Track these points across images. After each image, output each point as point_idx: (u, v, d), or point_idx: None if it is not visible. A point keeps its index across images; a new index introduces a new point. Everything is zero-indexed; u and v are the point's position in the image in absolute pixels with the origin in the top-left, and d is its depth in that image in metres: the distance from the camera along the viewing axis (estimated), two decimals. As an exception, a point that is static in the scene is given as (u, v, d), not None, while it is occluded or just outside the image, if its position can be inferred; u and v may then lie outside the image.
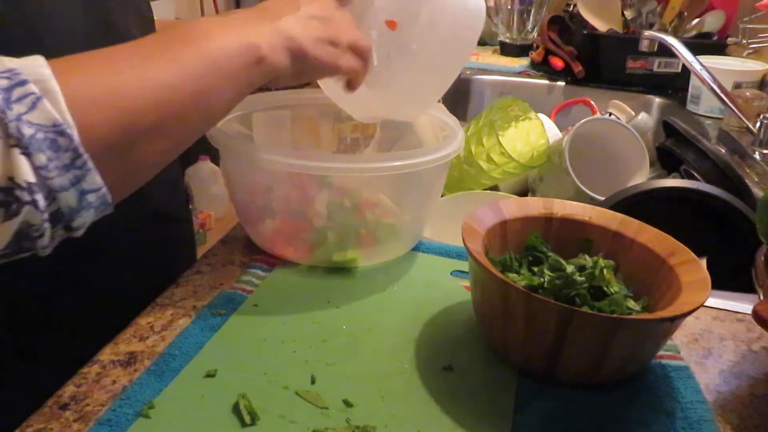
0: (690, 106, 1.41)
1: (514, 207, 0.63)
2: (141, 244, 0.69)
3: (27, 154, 0.36)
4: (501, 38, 1.90)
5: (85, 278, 0.63)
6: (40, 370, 0.57)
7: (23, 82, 0.36)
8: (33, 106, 0.36)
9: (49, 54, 0.41)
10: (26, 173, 0.36)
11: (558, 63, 1.65)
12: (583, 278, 0.56)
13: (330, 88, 0.71)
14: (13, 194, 0.36)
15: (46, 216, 0.38)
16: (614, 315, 0.52)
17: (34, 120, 0.36)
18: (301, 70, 0.54)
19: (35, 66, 0.38)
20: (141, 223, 0.69)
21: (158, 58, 0.44)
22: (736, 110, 1.17)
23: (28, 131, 0.36)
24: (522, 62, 1.79)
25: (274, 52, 0.50)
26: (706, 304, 0.52)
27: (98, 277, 0.64)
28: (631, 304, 0.56)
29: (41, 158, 0.36)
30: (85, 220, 0.41)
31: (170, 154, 0.47)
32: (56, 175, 0.37)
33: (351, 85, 0.60)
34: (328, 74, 0.57)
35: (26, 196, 0.36)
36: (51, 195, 0.38)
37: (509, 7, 1.83)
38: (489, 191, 0.99)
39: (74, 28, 0.56)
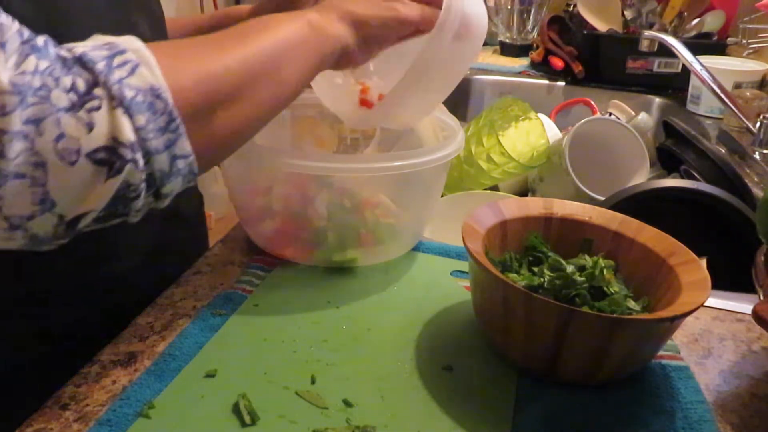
0: (690, 106, 1.41)
1: (514, 207, 0.63)
2: (158, 245, 0.69)
3: (129, 114, 0.38)
4: (501, 38, 1.90)
5: (95, 277, 0.63)
6: (41, 370, 0.57)
7: (123, 51, 0.39)
8: (132, 72, 0.39)
9: None
10: (128, 133, 0.38)
11: (558, 63, 1.65)
12: (583, 278, 0.56)
13: (324, 93, 0.71)
14: (117, 152, 0.38)
15: (144, 176, 0.40)
16: (614, 315, 0.52)
17: (133, 83, 0.39)
18: (368, 36, 0.56)
19: (131, 40, 0.41)
20: (159, 224, 0.69)
21: (233, 40, 0.48)
22: (736, 110, 1.16)
23: (129, 93, 0.38)
24: (522, 62, 1.79)
25: (331, 23, 0.54)
26: (706, 304, 0.52)
27: (109, 276, 0.64)
28: (631, 304, 0.56)
29: (141, 119, 0.39)
30: (173, 187, 0.43)
31: (249, 123, 0.49)
32: (153, 137, 0.39)
33: (426, 26, 0.59)
34: (403, 31, 0.59)
35: (129, 154, 0.38)
36: (147, 156, 0.40)
37: (509, 7, 1.84)
38: (489, 191, 0.99)
39: (99, 30, 0.56)
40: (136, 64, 0.39)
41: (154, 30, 0.66)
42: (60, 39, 0.52)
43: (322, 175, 0.65)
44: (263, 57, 0.48)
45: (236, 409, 0.49)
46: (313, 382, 0.52)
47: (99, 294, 0.63)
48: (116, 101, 0.38)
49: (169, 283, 0.66)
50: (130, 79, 0.39)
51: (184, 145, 0.42)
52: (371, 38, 0.57)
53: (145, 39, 0.59)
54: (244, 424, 0.47)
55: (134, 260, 0.66)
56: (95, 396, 0.50)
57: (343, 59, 0.56)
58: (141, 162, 0.39)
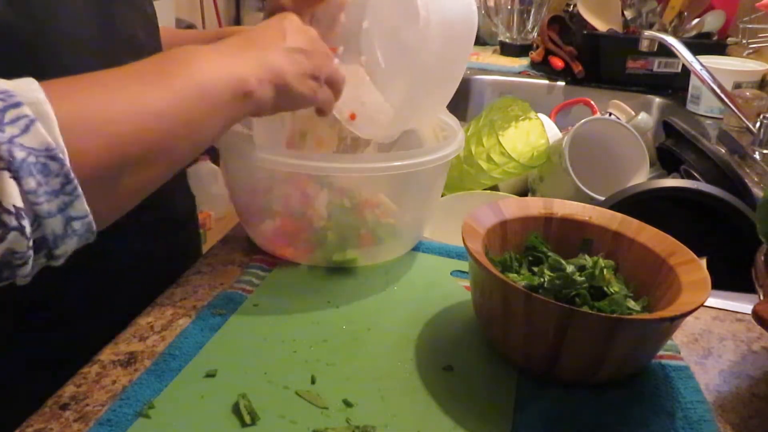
0: (690, 106, 1.41)
1: (514, 207, 0.63)
2: (150, 249, 0.69)
3: (17, 177, 0.35)
4: (501, 38, 1.90)
5: (93, 283, 0.63)
6: (42, 370, 0.57)
7: (17, 104, 0.35)
8: (26, 129, 0.35)
9: (64, 60, 0.41)
10: (15, 197, 0.35)
11: (558, 63, 1.65)
12: (583, 278, 0.56)
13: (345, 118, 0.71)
14: (0, 219, 0.35)
15: (31, 243, 0.36)
16: (614, 315, 0.52)
17: (26, 143, 0.35)
18: (283, 103, 0.55)
19: (29, 89, 0.37)
20: (151, 228, 0.69)
21: (150, 84, 0.44)
22: (736, 110, 1.17)
23: (19, 154, 0.35)
24: (522, 62, 1.79)
25: (261, 87, 0.50)
26: (706, 304, 0.52)
27: (106, 282, 0.64)
28: (631, 304, 0.56)
29: (31, 183, 0.35)
30: (67, 248, 0.40)
31: (155, 183, 0.46)
32: (45, 200, 0.36)
33: (321, 113, 0.61)
34: (306, 107, 0.59)
35: (13, 222, 0.35)
36: (37, 221, 0.36)
37: (509, 7, 1.84)
38: (489, 191, 0.99)
39: (85, 33, 0.56)
40: (31, 120, 0.35)
41: (146, 33, 0.66)
42: (46, 44, 0.52)
43: (322, 175, 0.65)
44: (182, 116, 0.44)
45: (236, 409, 0.49)
46: (313, 382, 0.52)
47: (92, 295, 0.63)
48: (3, 163, 0.34)
49: (162, 284, 0.65)
50: (22, 137, 0.35)
51: (81, 207, 0.38)
52: (283, 106, 0.56)
53: (137, 40, 0.58)
54: (244, 424, 0.47)
55: (127, 261, 0.66)
56: (95, 396, 0.50)
57: (251, 114, 0.54)
58: (28, 228, 0.36)
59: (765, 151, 1.12)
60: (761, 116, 1.13)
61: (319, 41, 0.58)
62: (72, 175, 0.37)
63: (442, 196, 0.83)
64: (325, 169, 0.63)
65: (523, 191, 1.09)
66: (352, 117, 0.69)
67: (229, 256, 0.71)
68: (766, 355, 0.59)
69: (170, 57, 0.47)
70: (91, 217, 0.39)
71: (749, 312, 0.55)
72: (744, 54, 1.47)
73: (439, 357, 0.56)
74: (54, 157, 0.36)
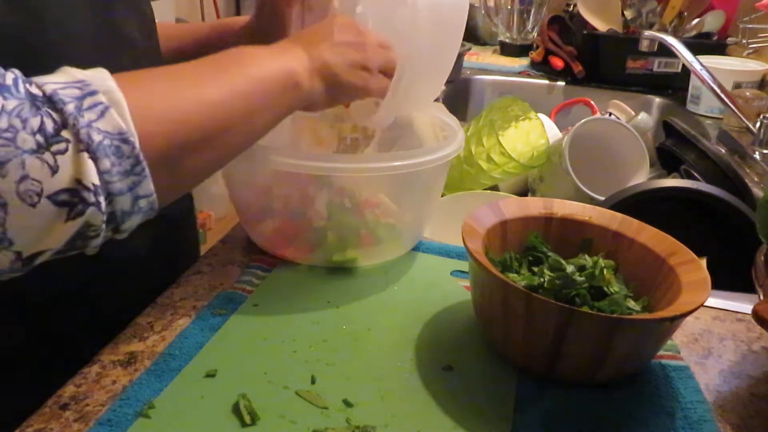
0: (690, 106, 1.41)
1: (514, 207, 0.63)
2: (147, 248, 0.69)
3: (94, 158, 0.38)
4: (501, 38, 1.90)
5: (90, 282, 0.63)
6: (41, 370, 0.57)
7: (93, 93, 0.39)
8: (102, 115, 0.39)
9: (62, 58, 0.42)
10: (93, 176, 0.38)
11: (558, 63, 1.65)
12: (583, 278, 0.56)
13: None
14: (80, 195, 0.38)
15: (105, 217, 0.40)
16: (614, 315, 0.52)
17: (102, 127, 0.39)
18: (336, 95, 0.58)
19: (102, 78, 0.40)
20: (148, 227, 0.69)
21: (209, 78, 0.48)
22: (736, 110, 1.17)
23: (97, 137, 0.38)
24: (522, 62, 1.79)
25: (310, 78, 0.54)
26: (706, 304, 0.52)
27: (103, 280, 0.64)
28: (631, 304, 0.56)
29: (106, 163, 0.39)
30: (133, 223, 0.43)
31: (213, 167, 0.50)
32: (117, 180, 0.40)
33: (380, 97, 0.63)
34: (360, 97, 0.61)
35: (92, 198, 0.38)
36: (109, 198, 0.40)
37: (509, 7, 1.84)
38: (489, 191, 0.99)
39: (83, 32, 0.56)
40: (106, 107, 0.39)
41: (144, 32, 0.66)
42: (44, 42, 0.52)
43: (322, 175, 0.65)
44: (238, 105, 0.48)
45: (236, 409, 0.49)
46: (313, 382, 0.52)
47: (89, 294, 0.63)
48: (83, 145, 0.38)
49: (161, 283, 0.65)
50: (99, 122, 0.39)
51: (148, 186, 0.42)
52: (336, 98, 0.58)
53: (134, 40, 0.59)
54: (244, 424, 0.47)
55: (125, 260, 0.66)
56: (95, 396, 0.50)
57: (307, 108, 0.57)
58: (103, 204, 0.39)
59: (765, 151, 1.12)
60: (761, 116, 1.13)
61: (369, 34, 0.60)
62: (141, 156, 0.40)
63: (442, 196, 0.83)
64: (325, 169, 0.63)
65: (523, 191, 1.09)
66: (346, 105, 0.70)
67: (229, 256, 0.71)
68: (766, 355, 0.59)
69: (226, 55, 0.51)
70: (155, 196, 0.43)
71: (749, 312, 0.55)
72: (744, 54, 1.48)
73: (439, 357, 0.56)
74: (126, 140, 0.40)
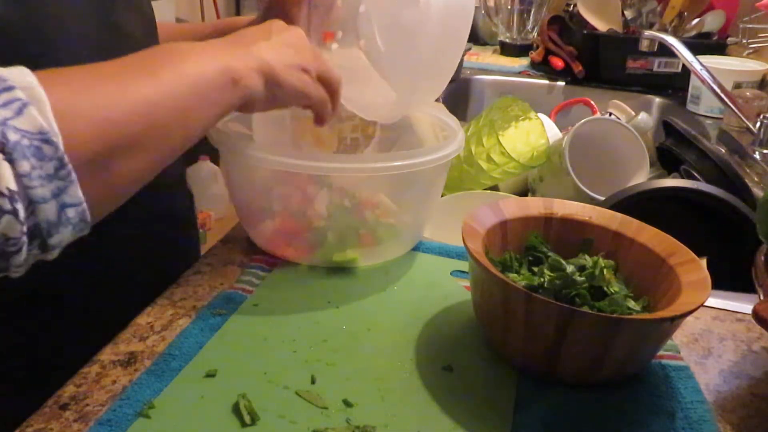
0: (690, 106, 1.41)
1: (514, 207, 0.63)
2: (146, 245, 0.69)
3: (10, 160, 0.34)
4: (501, 38, 1.90)
5: (89, 278, 0.63)
6: (41, 370, 0.57)
7: (10, 88, 0.36)
8: (19, 112, 0.35)
9: (62, 57, 0.41)
10: (9, 180, 0.34)
11: (558, 63, 1.65)
12: (583, 278, 0.56)
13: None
14: None
15: (25, 228, 0.36)
16: (614, 315, 0.52)
17: (20, 126, 0.35)
18: (275, 95, 0.55)
19: (21, 74, 0.37)
20: (147, 224, 0.69)
21: (140, 75, 0.44)
22: (736, 110, 1.17)
23: (13, 137, 0.35)
24: (522, 62, 1.79)
25: (248, 75, 0.51)
26: (706, 304, 0.52)
27: (102, 277, 0.64)
28: (631, 304, 0.56)
29: (25, 166, 0.35)
30: (62, 237, 0.39)
31: (148, 172, 0.46)
32: (38, 184, 0.36)
33: (319, 119, 0.60)
34: (300, 102, 0.58)
35: (7, 205, 0.35)
36: (31, 206, 0.36)
37: (509, 7, 1.84)
38: (489, 191, 0.98)
39: (84, 31, 0.56)
40: (24, 103, 0.36)
41: (144, 30, 0.66)
42: (44, 41, 0.52)
43: (322, 175, 0.65)
44: (172, 104, 0.45)
45: (236, 409, 0.49)
46: (313, 382, 0.52)
47: (91, 292, 0.63)
48: None
49: (161, 283, 0.65)
50: (16, 120, 0.35)
51: (75, 193, 0.38)
52: (276, 99, 0.56)
53: (135, 39, 0.59)
54: (244, 424, 0.47)
55: (124, 259, 0.66)
56: (95, 396, 0.50)
57: (245, 107, 0.54)
58: (22, 213, 0.35)
59: (765, 151, 1.12)
60: (761, 116, 1.13)
61: (305, 40, 0.58)
62: (66, 159, 0.37)
63: (442, 196, 0.83)
64: (325, 169, 0.63)
65: (523, 191, 1.09)
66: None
67: (229, 256, 0.71)
68: (766, 355, 0.59)
69: (160, 51, 0.48)
70: (85, 205, 0.39)
71: (749, 312, 0.55)
72: (744, 54, 1.48)
73: (439, 357, 0.56)
74: (48, 141, 0.36)
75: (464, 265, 0.71)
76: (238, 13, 2.99)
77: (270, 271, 0.68)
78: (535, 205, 0.64)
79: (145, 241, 0.69)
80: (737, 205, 0.83)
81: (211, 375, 0.52)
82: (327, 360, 0.55)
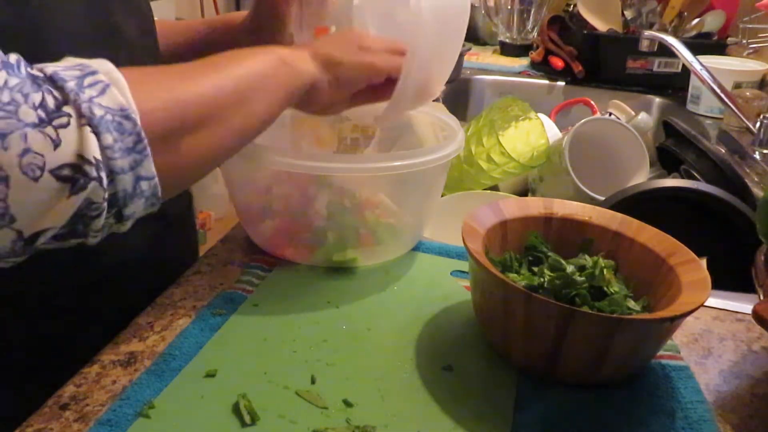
0: (690, 106, 1.41)
1: (514, 207, 0.63)
2: (144, 245, 0.69)
3: (96, 133, 0.39)
4: (501, 38, 1.90)
5: (86, 277, 0.63)
6: (41, 370, 0.57)
7: (94, 72, 0.40)
8: (103, 92, 0.39)
9: (57, 58, 0.42)
10: (95, 150, 0.38)
11: (558, 63, 1.65)
12: (583, 278, 0.56)
13: None
14: (82, 170, 0.38)
15: (107, 195, 0.40)
16: (614, 315, 0.52)
17: (104, 103, 0.39)
18: (339, 76, 0.58)
19: (102, 62, 0.42)
20: (144, 224, 0.69)
21: (205, 68, 0.50)
22: (736, 110, 1.17)
23: (98, 112, 0.39)
24: (522, 62, 1.79)
25: (303, 61, 0.56)
26: (706, 304, 0.52)
27: (100, 277, 0.64)
28: (631, 304, 0.56)
29: (108, 138, 0.39)
30: (135, 209, 0.43)
31: (215, 151, 0.50)
32: (119, 156, 0.40)
33: (384, 92, 0.62)
34: (368, 75, 0.60)
35: (93, 172, 0.39)
36: (111, 176, 0.40)
37: (509, 7, 1.83)
38: (489, 191, 0.98)
39: (79, 32, 0.56)
40: (106, 84, 0.40)
41: (142, 31, 0.66)
42: (38, 42, 0.52)
43: (322, 175, 0.65)
44: (233, 87, 0.50)
45: (236, 409, 0.49)
46: (313, 382, 0.52)
47: (88, 294, 0.63)
48: (85, 119, 0.38)
49: (160, 282, 0.65)
50: (100, 98, 0.39)
51: (149, 167, 0.42)
52: (343, 80, 0.59)
53: (131, 40, 0.61)
54: (244, 424, 0.47)
55: (122, 258, 0.66)
56: (95, 396, 0.50)
57: (312, 96, 0.58)
58: (105, 180, 0.39)
59: (765, 151, 1.12)
60: (761, 116, 1.13)
61: (350, 34, 0.62)
62: (143, 134, 0.41)
63: (442, 196, 0.83)
64: (325, 169, 0.63)
65: (523, 191, 1.09)
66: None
67: (229, 256, 0.71)
68: (766, 355, 0.59)
69: (224, 55, 0.53)
70: (157, 180, 0.43)
71: (749, 312, 0.55)
72: (744, 54, 1.47)
73: (439, 357, 0.56)
74: (128, 117, 0.40)
75: (464, 265, 0.71)
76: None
77: (270, 271, 0.68)
78: (535, 205, 0.64)
79: (143, 240, 0.69)
80: (737, 205, 0.83)
81: (211, 375, 0.52)
82: (327, 360, 0.55)
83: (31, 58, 0.41)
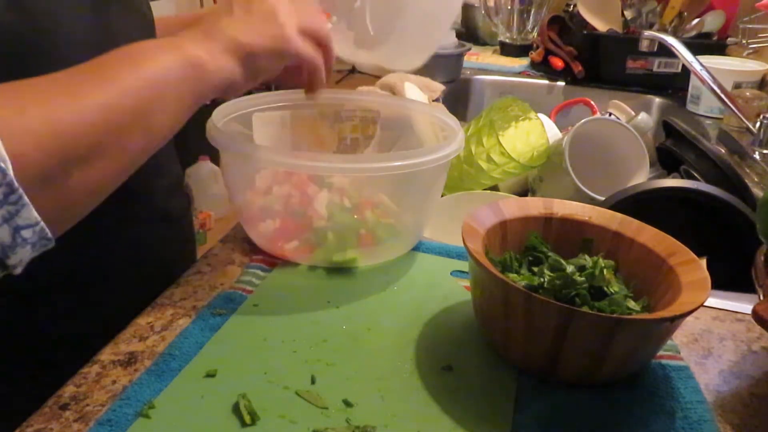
0: (690, 106, 1.41)
1: (514, 207, 0.63)
2: (142, 244, 0.69)
3: None
4: (501, 38, 1.90)
5: (85, 278, 0.63)
6: (41, 370, 0.57)
7: None
8: None
9: (58, 59, 0.41)
10: None
11: (558, 63, 1.65)
12: (583, 278, 0.56)
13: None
14: None
15: None
16: (614, 315, 0.52)
17: None
18: (256, 69, 0.51)
19: None
20: (142, 223, 0.69)
21: (92, 80, 0.42)
22: (736, 110, 1.17)
23: None
24: (522, 62, 1.79)
25: (215, 58, 0.48)
26: (706, 304, 0.52)
27: (98, 276, 0.65)
28: (631, 304, 0.56)
29: None
30: (21, 257, 0.38)
31: (113, 179, 0.44)
32: None
33: (311, 84, 0.56)
34: (284, 60, 0.53)
35: None
36: None
37: (509, 7, 1.84)
38: (489, 191, 0.99)
39: (81, 36, 0.56)
40: None
41: (142, 31, 0.66)
42: (40, 43, 0.52)
43: (322, 175, 0.65)
44: (128, 103, 0.42)
45: (236, 409, 0.49)
46: (313, 382, 0.52)
47: (88, 294, 0.63)
48: None
49: (157, 283, 0.65)
50: None
51: (29, 215, 0.37)
52: (260, 71, 0.52)
53: (132, 41, 0.59)
54: (244, 424, 0.47)
55: (120, 259, 0.66)
56: (95, 396, 0.50)
57: (225, 92, 0.51)
58: None
59: (765, 151, 1.12)
60: (761, 116, 1.13)
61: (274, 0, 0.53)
62: (16, 184, 0.35)
63: (442, 196, 0.83)
64: (325, 169, 0.63)
65: (523, 191, 1.09)
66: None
67: (229, 256, 0.71)
68: (766, 355, 0.59)
69: (117, 54, 0.45)
70: (42, 224, 0.38)
71: (749, 312, 0.55)
72: (744, 54, 1.48)
73: (439, 357, 0.56)
74: None
75: (464, 265, 0.71)
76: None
77: (270, 271, 0.68)
78: (535, 205, 0.64)
79: (140, 240, 0.69)
80: (737, 205, 0.83)
81: (211, 375, 0.52)
82: (327, 360, 0.55)
83: (34, 63, 0.40)
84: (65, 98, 0.40)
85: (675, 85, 1.52)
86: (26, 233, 0.37)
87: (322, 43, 0.55)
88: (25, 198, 0.36)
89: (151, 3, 0.71)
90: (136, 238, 0.68)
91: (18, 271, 0.39)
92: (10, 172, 0.35)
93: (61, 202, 0.40)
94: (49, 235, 0.39)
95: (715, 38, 1.55)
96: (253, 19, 0.51)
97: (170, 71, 0.45)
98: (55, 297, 0.61)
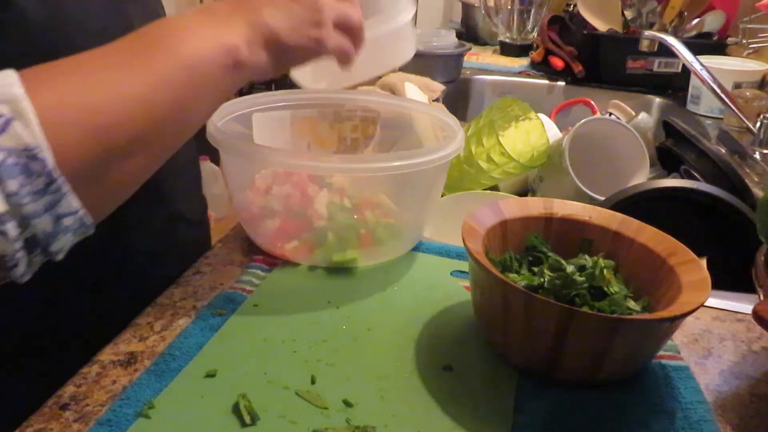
0: (690, 106, 1.41)
1: (514, 207, 0.63)
2: (159, 246, 0.69)
3: None
4: (501, 38, 1.90)
5: (100, 278, 0.63)
6: (42, 370, 0.57)
7: None
8: (4, 129, 0.34)
9: (73, 45, 0.41)
10: None
11: (558, 63, 1.65)
12: (583, 278, 0.56)
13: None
14: None
15: (18, 245, 0.36)
16: (614, 315, 0.52)
17: (4, 144, 0.34)
18: (283, 61, 0.51)
19: (6, 84, 0.35)
20: (160, 225, 0.69)
21: (130, 67, 0.41)
22: (736, 110, 1.17)
23: None
24: (522, 62, 1.79)
25: (252, 51, 0.47)
26: (706, 304, 0.52)
27: (113, 277, 0.64)
28: (631, 304, 0.56)
29: (12, 185, 0.34)
30: (63, 244, 0.39)
31: (149, 169, 0.45)
32: (29, 201, 0.35)
33: (342, 61, 0.56)
34: (314, 58, 0.54)
35: None
36: (24, 222, 0.36)
37: (509, 7, 1.84)
38: (489, 191, 0.98)
39: (103, 32, 0.57)
40: (8, 119, 0.34)
41: None
42: (65, 41, 0.52)
43: (322, 175, 0.65)
44: (169, 96, 0.42)
45: (236, 409, 0.49)
46: (313, 382, 0.52)
47: (99, 293, 0.63)
48: None
49: (167, 284, 0.65)
50: (0, 138, 0.34)
51: (70, 203, 0.37)
52: (287, 63, 0.52)
53: None
54: (244, 424, 0.47)
55: (136, 261, 0.66)
56: (95, 396, 0.50)
57: (252, 79, 0.51)
58: (13, 232, 0.35)
59: (765, 151, 1.12)
60: (761, 116, 1.13)
61: None
62: (56, 174, 0.36)
63: (442, 196, 0.83)
64: (325, 169, 0.63)
65: (523, 191, 1.09)
66: None
67: (229, 256, 0.71)
68: (766, 355, 0.59)
69: (152, 31, 0.44)
70: (83, 211, 0.38)
71: (749, 312, 0.55)
72: (744, 54, 1.48)
73: (439, 357, 0.56)
74: (35, 157, 0.35)
75: (464, 265, 0.71)
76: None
77: (270, 271, 0.68)
78: (535, 205, 0.64)
79: (157, 242, 0.69)
80: (737, 205, 0.83)
81: (211, 375, 0.52)
82: (327, 360, 0.55)
83: (55, 56, 0.40)
84: (105, 87, 0.39)
85: (675, 85, 1.52)
86: (67, 221, 0.38)
87: (353, 33, 0.55)
88: (66, 187, 0.37)
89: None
90: (152, 239, 0.68)
91: (60, 257, 0.40)
92: (50, 161, 0.35)
93: (100, 192, 0.41)
94: (89, 222, 0.39)
95: (715, 38, 1.55)
96: (297, 13, 0.50)
97: (210, 62, 0.44)
98: (69, 296, 0.61)
